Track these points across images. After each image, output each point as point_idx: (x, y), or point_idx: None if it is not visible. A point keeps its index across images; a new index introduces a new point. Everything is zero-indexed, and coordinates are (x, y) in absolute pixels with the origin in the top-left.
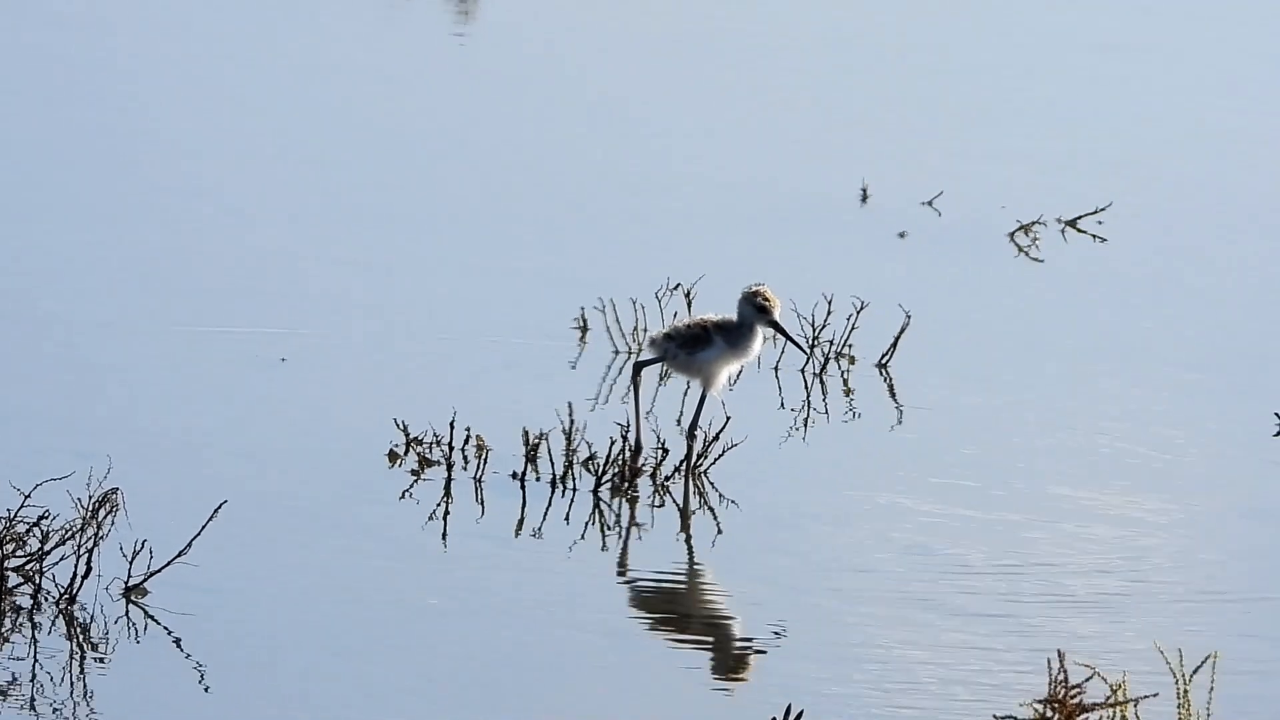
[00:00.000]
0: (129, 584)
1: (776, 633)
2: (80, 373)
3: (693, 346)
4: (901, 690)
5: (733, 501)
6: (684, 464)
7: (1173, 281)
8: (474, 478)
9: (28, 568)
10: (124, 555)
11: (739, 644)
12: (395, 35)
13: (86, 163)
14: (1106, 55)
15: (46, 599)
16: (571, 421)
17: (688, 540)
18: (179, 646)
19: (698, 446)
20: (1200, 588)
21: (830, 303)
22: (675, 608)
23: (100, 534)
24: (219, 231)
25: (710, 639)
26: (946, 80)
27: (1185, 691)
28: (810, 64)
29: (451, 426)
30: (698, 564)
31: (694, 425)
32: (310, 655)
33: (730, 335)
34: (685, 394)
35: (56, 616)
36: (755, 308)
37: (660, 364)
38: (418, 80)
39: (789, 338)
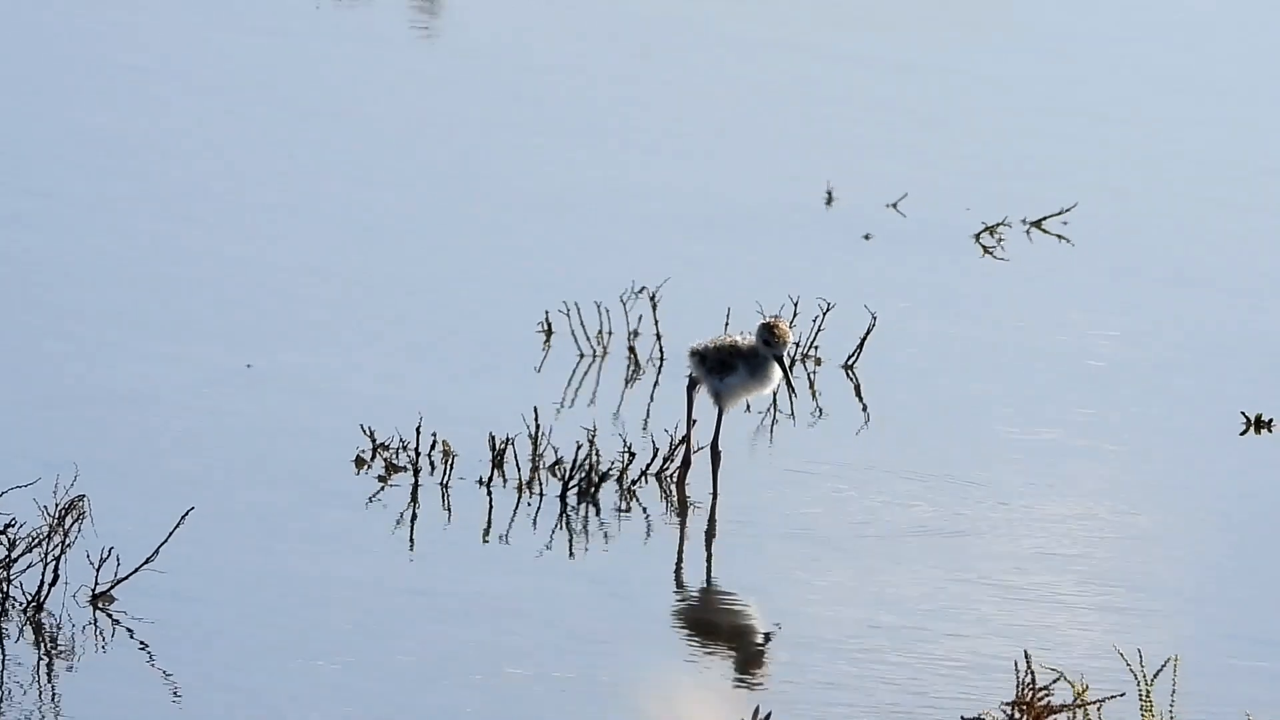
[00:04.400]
0: (96, 591)
1: (768, 634)
2: (45, 380)
3: (721, 372)
4: (870, 690)
5: (698, 505)
6: (713, 481)
7: (1138, 281)
8: (440, 483)
9: None
10: (91, 562)
11: (709, 645)
12: (355, 33)
13: (44, 166)
14: (1068, 56)
15: (13, 607)
16: (538, 426)
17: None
18: (147, 653)
19: (664, 450)
20: (1165, 588)
21: (796, 305)
22: (643, 612)
23: (67, 541)
24: (181, 237)
25: (680, 641)
26: (910, 83)
27: (1148, 693)
28: (774, 67)
29: (418, 432)
30: (666, 568)
31: (714, 443)
32: (278, 661)
33: (751, 364)
34: (651, 399)
35: (24, 624)
36: (762, 339)
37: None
38: (379, 81)
39: (786, 375)
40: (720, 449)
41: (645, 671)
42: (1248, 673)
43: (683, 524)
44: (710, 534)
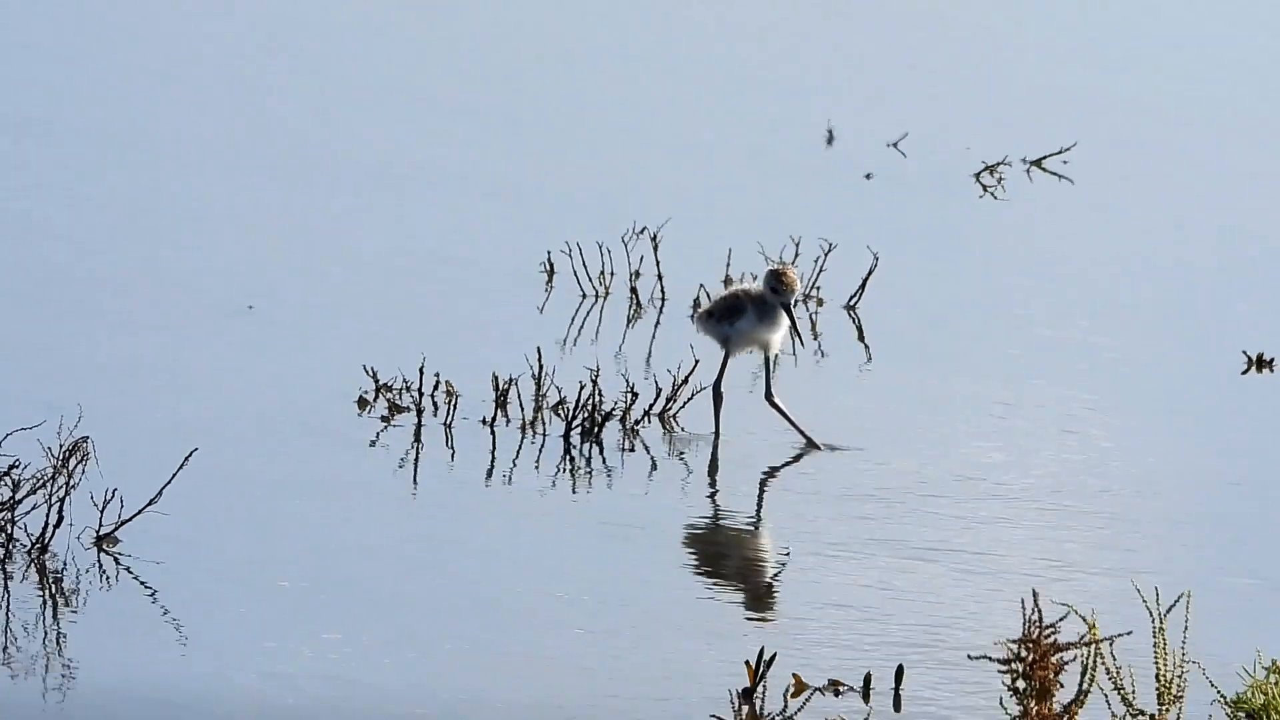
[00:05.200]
0: (100, 533)
1: (770, 582)
2: (49, 322)
3: (730, 318)
4: (873, 631)
5: (700, 444)
6: (715, 421)
7: (1138, 221)
8: (444, 424)
9: None
10: (95, 504)
11: (716, 585)
12: None
13: (48, 110)
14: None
15: (18, 548)
16: (541, 366)
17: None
18: (151, 595)
19: (666, 390)
20: (1174, 525)
21: (798, 245)
22: (647, 551)
23: (71, 483)
24: (181, 180)
25: (687, 582)
26: (910, 22)
27: (1161, 629)
28: (776, 6)
29: (421, 372)
30: (669, 506)
31: (768, 390)
32: (282, 603)
33: (760, 310)
34: (653, 339)
35: (28, 566)
36: (770, 286)
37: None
38: (370, 26)
39: (793, 322)
40: (723, 391)
41: (653, 611)
42: (1256, 611)
43: (686, 460)
44: (713, 471)
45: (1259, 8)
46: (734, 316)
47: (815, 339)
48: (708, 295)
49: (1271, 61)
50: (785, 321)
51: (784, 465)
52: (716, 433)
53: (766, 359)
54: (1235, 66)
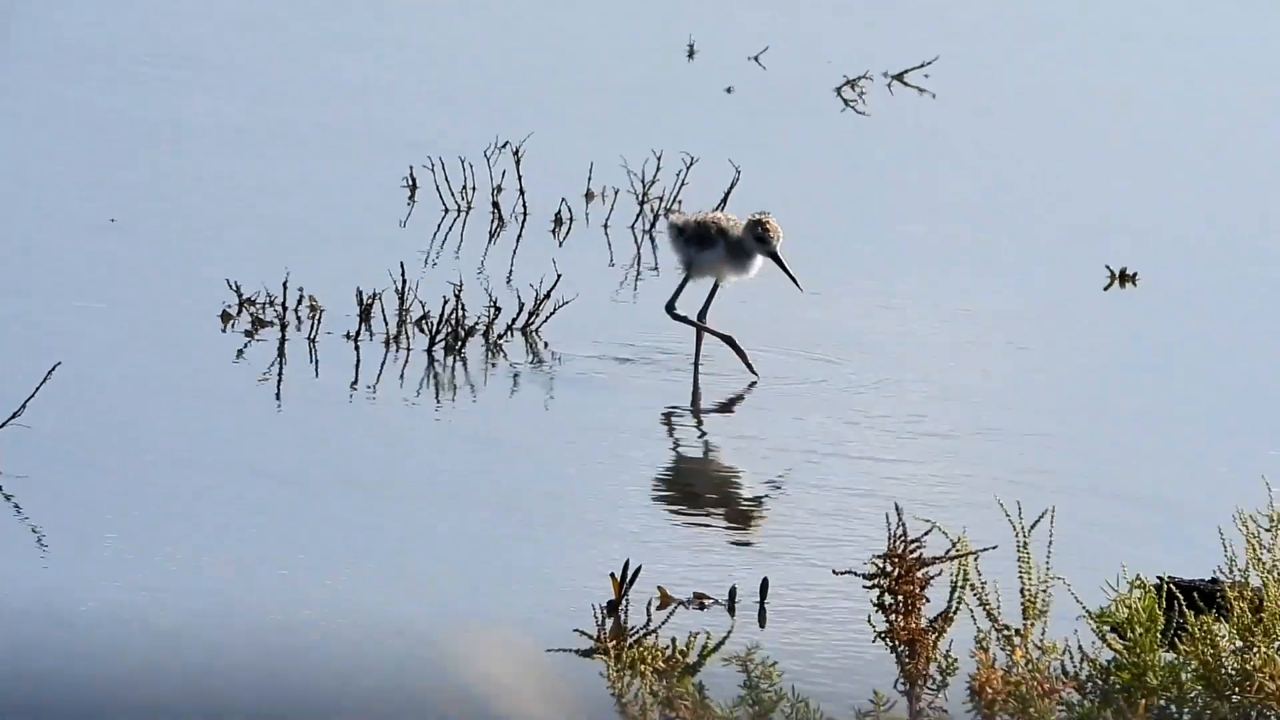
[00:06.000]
0: None
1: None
2: None
3: (699, 243)
4: (740, 546)
5: (562, 358)
6: (696, 348)
7: (999, 132)
8: (308, 338)
9: None
10: None
11: (579, 500)
12: None
13: None
14: None
15: None
16: (404, 281)
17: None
18: (14, 507)
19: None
20: (1038, 440)
21: (659, 159)
22: (509, 465)
23: None
24: (49, 85)
25: (551, 496)
26: None
27: (1025, 544)
28: None
29: (285, 287)
30: (532, 420)
31: (670, 304)
32: (146, 517)
33: (733, 248)
34: (514, 254)
35: None
36: (755, 237)
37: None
38: None
39: (786, 270)
40: (676, 309)
41: (516, 525)
42: (1118, 527)
43: (549, 374)
44: (695, 395)
45: None
46: (702, 245)
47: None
48: (569, 209)
49: None
50: (755, 266)
51: (645, 380)
52: (698, 353)
53: (715, 286)
54: None
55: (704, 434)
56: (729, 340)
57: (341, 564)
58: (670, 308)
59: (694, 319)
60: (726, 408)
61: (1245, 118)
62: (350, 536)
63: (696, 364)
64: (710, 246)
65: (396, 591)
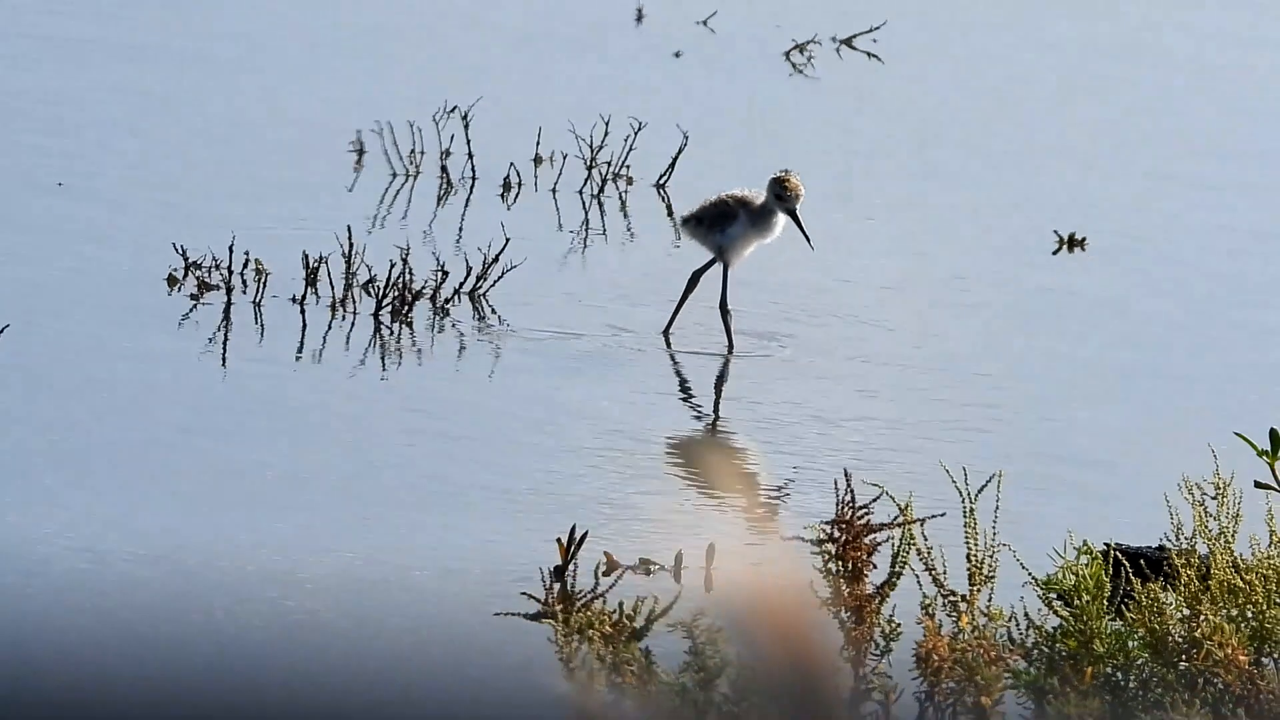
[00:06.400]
0: None
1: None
2: None
3: (721, 223)
4: (686, 511)
5: (509, 323)
6: (727, 336)
7: (948, 98)
8: (253, 302)
9: None
10: None
11: (525, 466)
12: None
13: None
14: None
15: None
16: (351, 244)
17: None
18: None
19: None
20: (988, 408)
21: (608, 124)
22: (454, 431)
23: None
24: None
25: (494, 461)
26: None
27: (971, 511)
28: None
29: (230, 250)
30: (478, 386)
31: (724, 301)
32: (94, 479)
33: (754, 214)
34: (463, 219)
35: None
36: (775, 194)
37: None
38: None
39: (801, 229)
40: (730, 306)
41: (462, 490)
42: (1066, 490)
43: (495, 341)
44: (719, 385)
45: None
46: (725, 223)
47: (625, 217)
48: (517, 173)
49: None
50: (779, 226)
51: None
52: (730, 346)
53: (725, 268)
54: None
55: (652, 402)
56: (730, 346)
57: (275, 529)
58: (723, 306)
59: (723, 316)
60: (681, 376)
61: (1196, 79)
62: (286, 501)
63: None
64: (734, 221)
65: (333, 556)
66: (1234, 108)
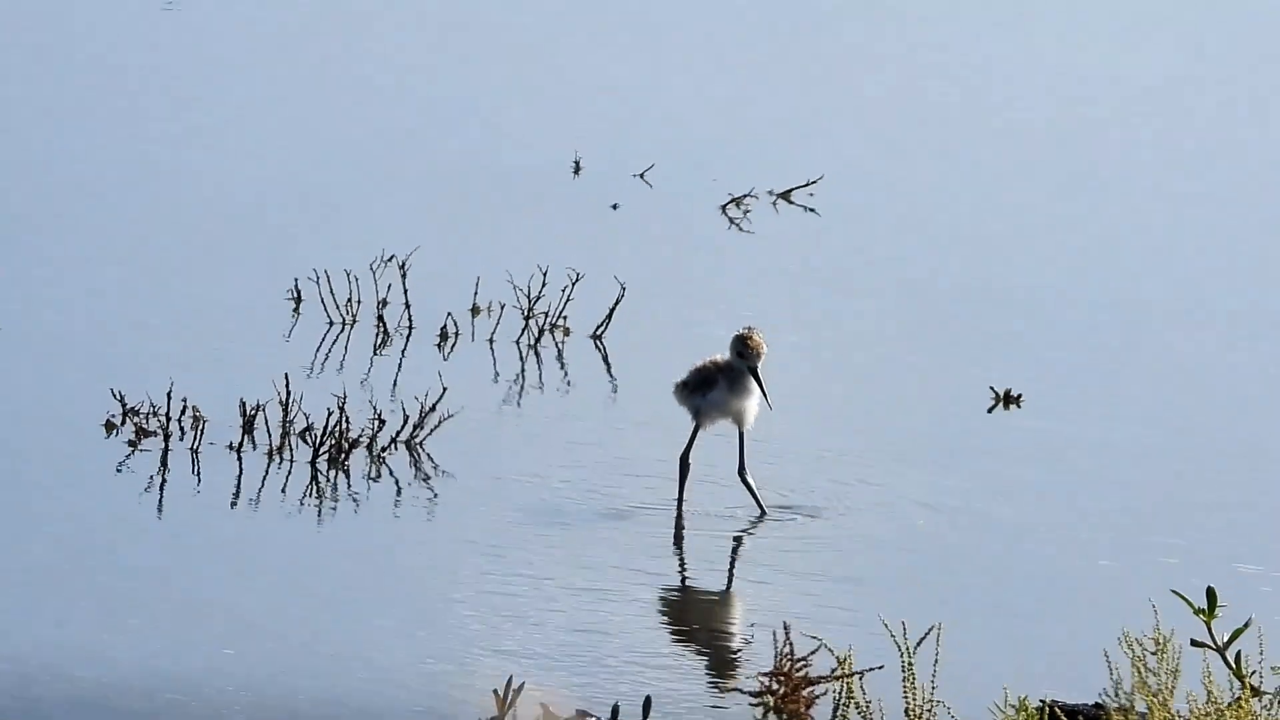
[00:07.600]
0: None
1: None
2: None
3: (703, 388)
4: (629, 660)
5: (447, 472)
6: (679, 490)
7: (884, 254)
8: (191, 449)
9: None
10: None
11: (466, 613)
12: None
13: None
14: (817, 24)
15: None
16: (288, 392)
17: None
18: None
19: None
20: (922, 561)
21: (545, 274)
22: (391, 578)
23: None
24: None
25: (436, 608)
26: (654, 54)
27: (910, 664)
28: (521, 38)
29: (169, 397)
30: (414, 532)
31: (741, 467)
32: (31, 625)
33: (731, 378)
34: (399, 367)
35: None
36: (737, 351)
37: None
38: (126, 52)
39: (761, 388)
40: (690, 462)
41: (404, 632)
42: (1003, 644)
43: (431, 488)
44: (678, 538)
45: (979, 33)
46: (706, 388)
47: (561, 368)
48: (454, 323)
49: (1019, 79)
50: (755, 388)
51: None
52: (680, 500)
53: (741, 433)
54: (977, 95)
55: (595, 541)
56: (760, 506)
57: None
58: (684, 458)
59: (744, 480)
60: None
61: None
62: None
63: (762, 510)
64: (714, 387)
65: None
66: (1203, 265)
